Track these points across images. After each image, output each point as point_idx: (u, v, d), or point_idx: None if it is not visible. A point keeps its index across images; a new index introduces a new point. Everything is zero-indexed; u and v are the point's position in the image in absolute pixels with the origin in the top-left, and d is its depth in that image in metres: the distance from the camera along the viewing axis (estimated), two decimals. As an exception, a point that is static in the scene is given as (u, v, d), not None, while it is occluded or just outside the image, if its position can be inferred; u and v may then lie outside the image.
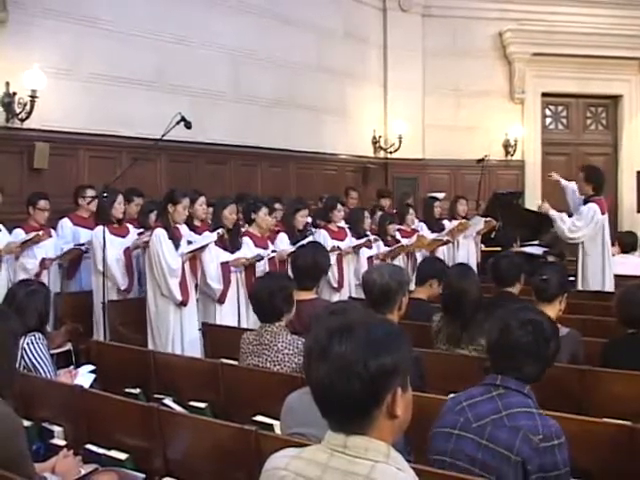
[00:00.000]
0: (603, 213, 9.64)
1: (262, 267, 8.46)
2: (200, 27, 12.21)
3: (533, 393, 3.29)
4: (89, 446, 4.35)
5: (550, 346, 3.37)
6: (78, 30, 10.45)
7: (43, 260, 8.44)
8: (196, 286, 8.18)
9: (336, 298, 9.05)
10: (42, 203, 8.72)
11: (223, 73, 12.68)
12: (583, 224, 9.58)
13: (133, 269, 8.66)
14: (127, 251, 8.61)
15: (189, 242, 8.12)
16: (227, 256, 8.38)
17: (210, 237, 8.13)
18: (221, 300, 8.31)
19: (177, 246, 7.86)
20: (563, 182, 10.23)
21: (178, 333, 7.86)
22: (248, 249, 8.53)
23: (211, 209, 8.94)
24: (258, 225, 8.86)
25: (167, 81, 11.70)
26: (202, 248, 8.02)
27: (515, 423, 3.11)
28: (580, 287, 9.56)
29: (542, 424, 3.10)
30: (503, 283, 6.34)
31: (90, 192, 9.11)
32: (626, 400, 4.58)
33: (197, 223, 8.80)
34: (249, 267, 8.49)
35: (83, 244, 8.78)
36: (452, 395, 3.54)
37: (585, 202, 9.68)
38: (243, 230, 8.82)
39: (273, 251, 8.86)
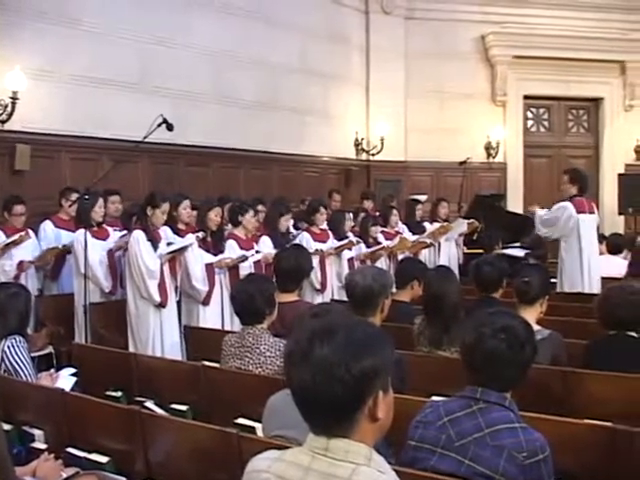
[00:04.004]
0: (579, 212, 9.66)
1: (247, 270, 8.45)
2: (182, 29, 12.20)
3: (515, 399, 3.26)
4: (70, 449, 4.33)
5: (526, 350, 3.31)
6: (60, 32, 10.42)
7: (21, 262, 8.41)
8: (176, 288, 8.16)
9: (319, 300, 9.07)
10: (17, 209, 8.68)
11: (205, 75, 12.66)
12: (550, 217, 9.66)
13: (117, 271, 8.63)
14: (110, 253, 8.58)
15: (169, 244, 8.10)
16: (211, 258, 8.38)
17: (189, 239, 8.12)
18: (206, 302, 8.32)
19: (156, 248, 7.84)
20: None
21: (158, 335, 7.84)
22: (233, 252, 8.53)
23: (194, 212, 8.91)
24: (244, 227, 8.87)
25: (149, 83, 11.67)
26: (181, 250, 8.01)
27: (498, 442, 3.07)
28: (558, 288, 9.59)
29: (526, 439, 3.05)
30: (486, 289, 6.36)
31: (75, 196, 9.05)
32: (608, 401, 4.59)
33: (181, 226, 8.77)
34: (233, 268, 8.50)
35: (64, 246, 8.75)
36: (429, 402, 3.50)
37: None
38: (227, 233, 8.81)
39: (257, 252, 8.86)
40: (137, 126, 9.37)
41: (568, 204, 9.62)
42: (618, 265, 10.07)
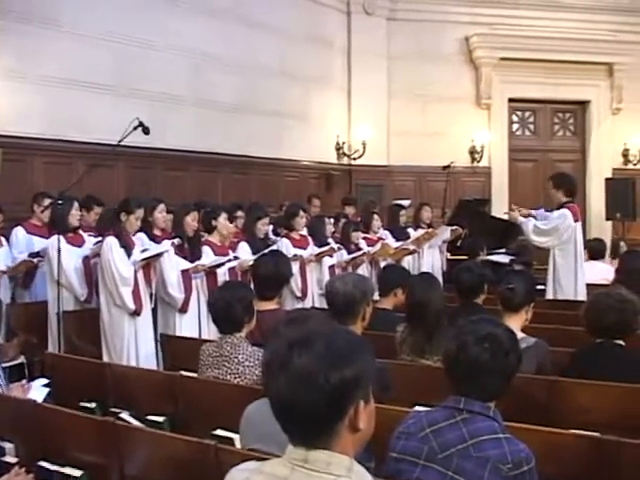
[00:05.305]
0: (576, 220, 9.68)
1: (223, 277, 8.44)
2: (160, 29, 12.17)
3: (499, 409, 3.26)
4: (42, 463, 4.30)
5: (509, 359, 3.32)
6: (34, 32, 10.37)
7: (-8, 272, 8.39)
8: (151, 295, 8.15)
9: (300, 308, 9.05)
10: None
11: (183, 77, 12.65)
12: (550, 228, 9.63)
13: (92, 278, 8.58)
14: (86, 260, 8.53)
15: (144, 250, 8.08)
16: (187, 264, 8.36)
17: (165, 246, 8.11)
18: (183, 309, 8.29)
19: (129, 254, 7.83)
20: (521, 219, 10.11)
21: (133, 344, 7.83)
22: (208, 259, 8.51)
23: (170, 216, 8.89)
24: (219, 232, 8.86)
25: (125, 85, 11.64)
26: (156, 256, 8.00)
27: (482, 453, 3.06)
28: (551, 296, 9.61)
29: (510, 450, 3.04)
30: (467, 296, 6.40)
31: (47, 201, 9.00)
32: (594, 411, 4.61)
33: (157, 232, 8.75)
34: (210, 274, 8.47)
35: (37, 253, 8.69)
36: (412, 412, 3.51)
37: (558, 209, 9.73)
38: (203, 239, 8.79)
39: (235, 257, 8.83)
40: (113, 129, 9.34)
41: (568, 212, 9.61)
42: (602, 271, 10.11)
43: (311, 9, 15.32)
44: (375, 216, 11.62)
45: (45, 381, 5.58)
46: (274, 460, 2.32)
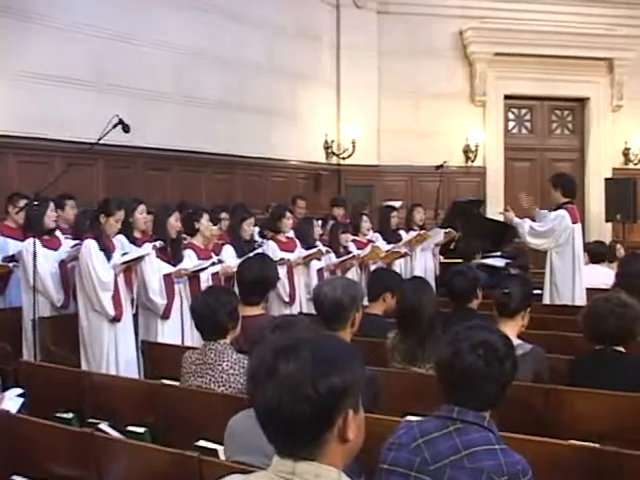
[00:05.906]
0: (575, 221, 9.69)
1: (206, 282, 8.41)
2: (143, 23, 12.15)
3: (494, 419, 3.24)
4: (15, 477, 4.28)
5: (505, 366, 3.29)
6: (8, 24, 10.34)
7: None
8: (132, 301, 8.12)
9: (287, 313, 9.03)
10: None
11: (166, 72, 12.63)
12: (546, 229, 9.64)
13: (69, 283, 8.54)
14: (63, 264, 8.49)
15: (124, 254, 8.06)
16: (169, 268, 8.33)
17: (145, 249, 8.08)
18: (166, 315, 8.25)
19: (109, 258, 7.80)
20: (516, 220, 10.11)
21: (113, 351, 7.79)
22: (190, 262, 8.49)
23: (151, 217, 8.85)
24: (202, 234, 8.82)
25: (105, 80, 11.61)
26: (136, 260, 7.97)
27: (477, 464, 3.03)
28: (548, 301, 9.61)
29: (506, 462, 3.02)
30: (460, 301, 6.41)
31: (23, 202, 8.96)
32: (594, 421, 4.61)
33: (137, 234, 8.72)
34: (194, 279, 8.45)
35: (12, 257, 8.65)
36: (403, 422, 3.49)
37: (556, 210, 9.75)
38: (185, 242, 8.76)
39: (219, 260, 8.80)
40: (93, 127, 9.30)
41: (565, 213, 9.62)
42: (602, 275, 10.11)
43: (299, 3, 15.33)
44: (365, 218, 11.60)
45: (19, 391, 5.55)
46: (259, 472, 2.31)
